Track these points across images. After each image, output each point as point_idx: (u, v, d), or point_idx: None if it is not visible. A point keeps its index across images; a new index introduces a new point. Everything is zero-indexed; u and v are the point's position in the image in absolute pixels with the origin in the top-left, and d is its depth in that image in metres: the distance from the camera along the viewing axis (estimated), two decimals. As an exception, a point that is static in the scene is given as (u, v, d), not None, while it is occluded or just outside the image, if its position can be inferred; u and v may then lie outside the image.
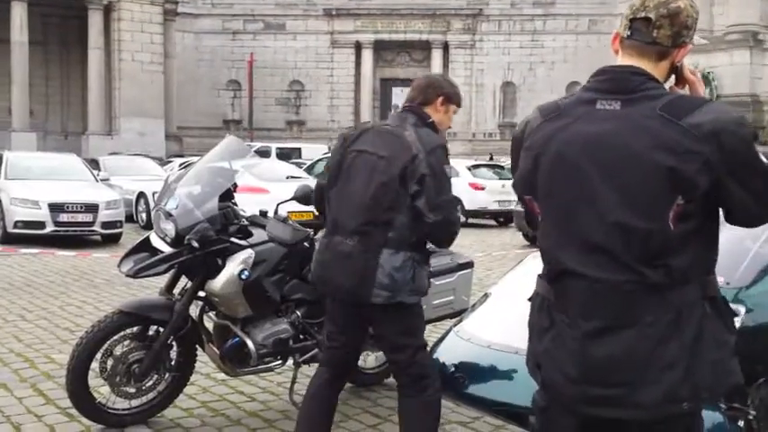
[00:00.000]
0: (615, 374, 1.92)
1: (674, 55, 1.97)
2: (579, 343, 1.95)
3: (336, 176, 3.27)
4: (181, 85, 34.50)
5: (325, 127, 37.47)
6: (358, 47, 38.59)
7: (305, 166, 16.58)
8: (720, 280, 2.69)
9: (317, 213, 3.68)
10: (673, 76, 2.03)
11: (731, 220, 1.94)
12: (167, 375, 4.06)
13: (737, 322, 2.61)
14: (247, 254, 3.98)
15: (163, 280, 4.17)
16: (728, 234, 2.87)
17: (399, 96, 38.97)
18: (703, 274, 1.92)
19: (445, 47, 38.23)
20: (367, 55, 38.51)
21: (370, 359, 4.79)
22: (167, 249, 4.01)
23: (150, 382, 4.02)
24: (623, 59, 1.98)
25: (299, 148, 26.22)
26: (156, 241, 4.12)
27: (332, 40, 38.81)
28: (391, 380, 4.75)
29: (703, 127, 1.84)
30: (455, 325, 3.74)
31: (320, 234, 4.64)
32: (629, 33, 1.97)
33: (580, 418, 2.03)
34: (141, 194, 15.09)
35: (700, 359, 1.89)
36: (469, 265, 4.66)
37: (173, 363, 4.07)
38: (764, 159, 1.89)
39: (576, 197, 1.95)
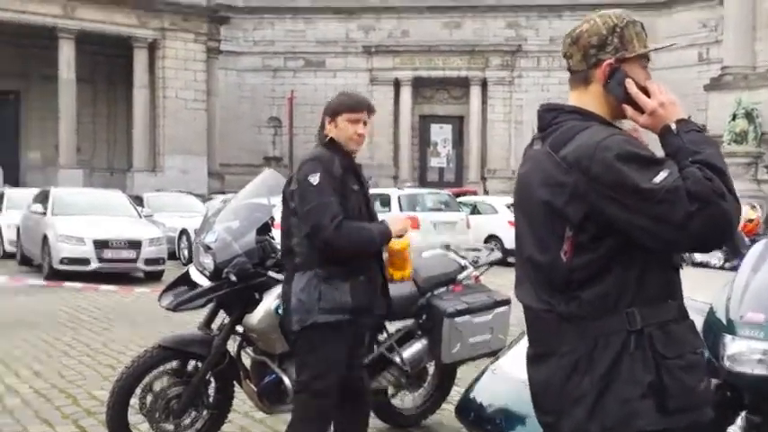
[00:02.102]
0: (545, 401, 1.98)
1: (597, 75, 1.98)
2: (528, 368, 2.06)
3: None
4: (223, 123, 35.05)
5: (364, 163, 37.24)
6: (397, 84, 38.89)
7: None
8: (761, 317, 2.66)
9: None
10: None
11: (642, 244, 1.83)
12: (205, 412, 4.08)
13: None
14: (284, 289, 4.00)
15: (202, 315, 4.21)
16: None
17: (438, 133, 39.12)
18: (629, 305, 1.85)
19: (484, 83, 38.32)
20: (406, 92, 38.76)
21: (407, 399, 4.75)
22: (206, 283, 4.06)
23: (188, 420, 4.04)
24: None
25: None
26: (196, 275, 4.17)
27: (371, 77, 39.17)
28: (428, 421, 4.73)
29: (568, 157, 1.87)
30: (492, 363, 3.72)
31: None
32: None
33: None
34: (184, 231, 15.30)
35: (609, 396, 1.84)
36: (506, 302, 4.62)
37: (210, 399, 4.09)
38: (659, 177, 1.78)
39: (516, 232, 2.12)
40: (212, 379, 4.08)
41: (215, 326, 4.16)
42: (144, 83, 30.72)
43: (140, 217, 14.11)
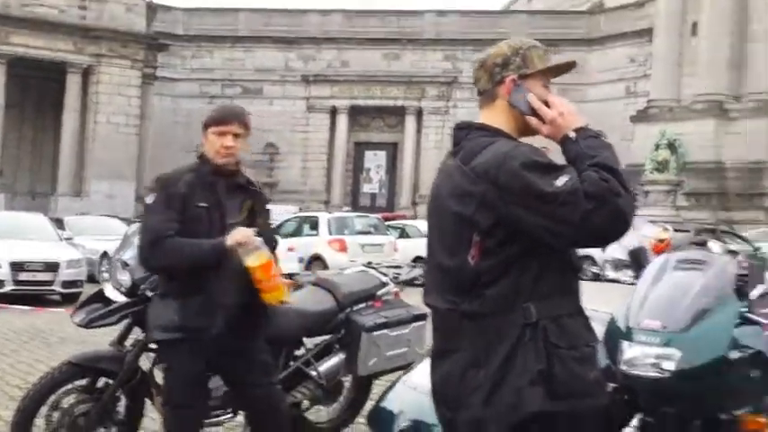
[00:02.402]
0: (445, 396, 2.11)
1: (502, 91, 2.14)
2: (430, 366, 2.19)
3: None
4: (155, 147, 34.60)
5: (296, 189, 37.62)
6: (333, 111, 39.13)
7: (273, 226, 16.62)
8: (657, 324, 2.77)
9: (282, 272, 3.72)
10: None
11: (547, 243, 1.98)
12: (114, 429, 3.99)
13: (672, 365, 2.67)
14: (198, 305, 3.97)
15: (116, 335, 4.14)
16: (668, 282, 2.97)
17: (372, 159, 39.45)
18: (526, 300, 2.00)
19: (419, 112, 38.87)
20: (342, 119, 39.03)
21: (322, 413, 4.76)
22: (122, 299, 4.01)
23: (97, 437, 3.95)
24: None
25: (269, 210, 26.29)
26: (111, 292, 4.11)
27: (308, 104, 39.34)
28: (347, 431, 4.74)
29: (478, 168, 2.02)
30: (404, 374, 3.76)
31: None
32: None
33: None
34: (105, 254, 14.97)
35: (504, 387, 1.97)
36: (424, 317, 4.66)
37: (120, 416, 4.01)
38: (560, 181, 1.93)
39: (427, 241, 2.25)
40: (123, 396, 4.00)
41: (128, 342, 4.09)
42: (75, 107, 30.23)
43: (60, 239, 13.82)
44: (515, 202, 1.96)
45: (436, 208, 2.16)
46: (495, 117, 2.14)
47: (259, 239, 3.21)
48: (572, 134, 2.05)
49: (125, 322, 4.06)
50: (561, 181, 1.94)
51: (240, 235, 3.20)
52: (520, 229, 1.98)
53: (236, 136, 3.28)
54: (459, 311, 2.05)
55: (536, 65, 2.14)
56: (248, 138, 3.38)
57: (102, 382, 3.98)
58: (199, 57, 39.49)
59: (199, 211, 3.22)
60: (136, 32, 31.61)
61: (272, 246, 3.45)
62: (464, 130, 2.15)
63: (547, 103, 2.10)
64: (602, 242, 2.10)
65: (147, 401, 4.09)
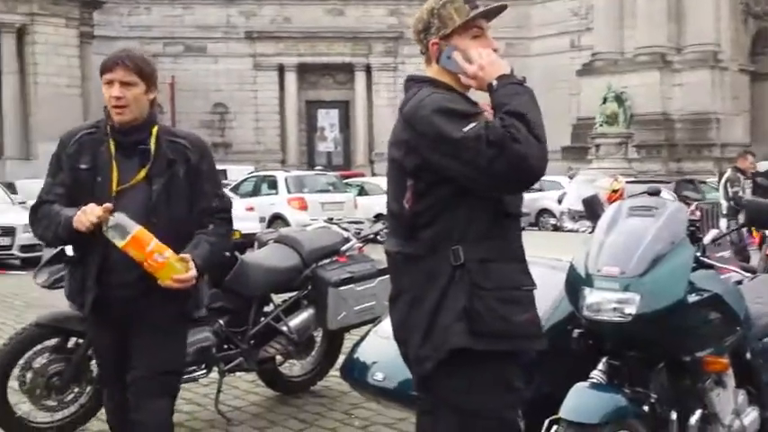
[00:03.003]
0: (398, 336, 2.28)
1: (432, 52, 2.24)
2: (389, 309, 2.34)
3: None
4: (100, 108, 33.73)
5: (251, 149, 37.21)
6: (281, 69, 38.58)
7: (230, 186, 16.50)
8: (615, 270, 2.88)
9: (242, 232, 3.73)
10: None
11: (467, 187, 2.10)
12: (89, 388, 4.03)
13: (633, 309, 2.78)
14: (168, 263, 3.99)
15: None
16: (623, 228, 3.07)
17: (324, 118, 39.17)
18: (454, 243, 2.12)
19: (368, 69, 38.58)
20: (290, 77, 38.52)
21: (295, 367, 4.86)
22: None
23: (71, 395, 3.99)
24: None
25: (225, 170, 26.03)
26: (71, 251, 4.09)
27: (254, 62, 38.68)
28: (317, 386, 4.86)
29: (404, 116, 2.16)
30: (374, 326, 3.86)
31: (247, 251, 4.72)
32: None
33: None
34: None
35: (436, 325, 2.13)
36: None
37: (94, 375, 4.05)
38: (467, 128, 2.03)
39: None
40: (95, 355, 4.03)
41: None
42: (13, 69, 29.24)
43: (13, 204, 13.53)
44: (430, 147, 2.08)
45: (387, 158, 2.30)
46: (439, 75, 2.25)
47: (120, 216, 2.63)
48: (494, 83, 2.13)
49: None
50: (468, 127, 2.03)
51: (83, 216, 2.62)
52: (444, 175, 2.10)
53: (124, 85, 2.71)
54: (401, 254, 2.21)
55: (455, 20, 2.19)
56: (154, 89, 2.82)
57: (72, 342, 4.00)
58: (136, 14, 38.36)
59: (82, 175, 2.76)
60: (68, -11, 30.61)
61: (206, 215, 2.85)
62: (410, 83, 2.27)
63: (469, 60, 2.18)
64: (507, 188, 2.15)
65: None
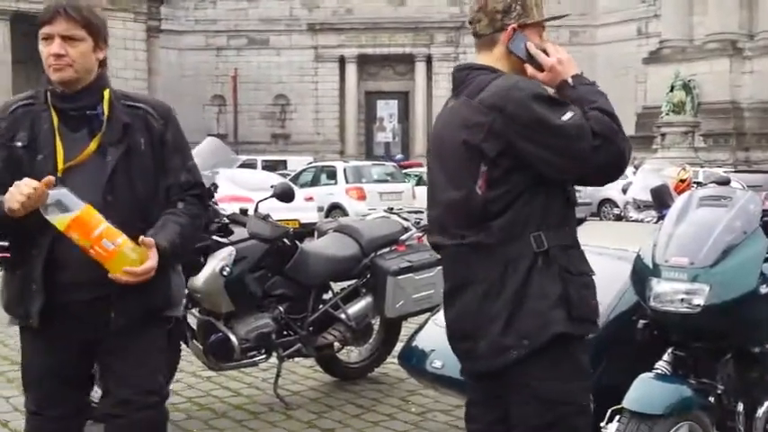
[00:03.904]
0: (463, 329, 2.18)
1: (502, 38, 2.17)
2: (444, 302, 2.27)
3: None
4: (166, 102, 34.50)
5: (310, 140, 37.57)
6: (342, 61, 38.79)
7: (290, 177, 16.69)
8: (684, 260, 2.82)
9: (301, 222, 3.75)
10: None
11: (548, 176, 2.06)
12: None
13: (701, 300, 2.71)
14: (228, 251, 4.06)
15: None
16: (693, 218, 3.00)
17: (383, 108, 39.24)
18: (535, 230, 2.07)
19: (428, 59, 38.47)
20: (351, 69, 38.70)
21: (353, 354, 4.89)
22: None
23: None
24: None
25: (285, 161, 26.36)
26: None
27: (316, 54, 38.98)
28: (374, 373, 4.87)
29: (486, 100, 2.06)
30: (433, 314, 3.84)
31: (306, 241, 4.76)
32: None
33: (469, 373, 2.29)
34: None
35: (522, 312, 2.05)
36: (449, 260, 4.74)
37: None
38: (567, 116, 2.00)
39: (429, 183, 2.32)
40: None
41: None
42: (82, 62, 30.06)
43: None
44: (522, 132, 2.01)
45: (441, 146, 2.21)
46: (494, 61, 2.18)
47: (62, 191, 2.14)
48: (570, 80, 2.13)
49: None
50: (568, 115, 2.00)
51: (15, 191, 2.13)
52: (524, 161, 2.05)
53: (67, 40, 2.23)
54: (466, 245, 2.12)
55: (534, 15, 2.19)
56: (104, 47, 2.36)
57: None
58: (202, 8, 39.05)
59: (17, 153, 2.26)
60: (136, -17, 31.30)
61: (178, 190, 2.39)
62: (464, 71, 2.20)
63: (545, 52, 2.16)
64: (603, 180, 2.19)
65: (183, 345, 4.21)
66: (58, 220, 2.12)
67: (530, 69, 2.16)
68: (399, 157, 28.10)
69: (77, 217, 2.12)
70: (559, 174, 2.07)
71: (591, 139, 2.00)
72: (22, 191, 2.10)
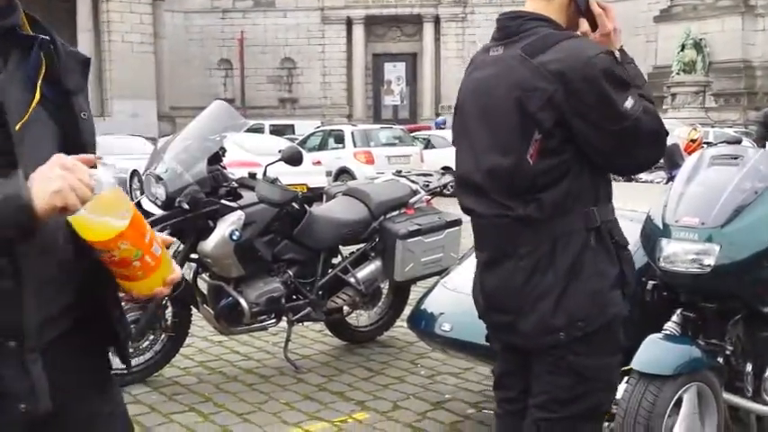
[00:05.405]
0: (503, 302, 2.05)
1: None
2: (479, 273, 2.14)
3: None
4: (172, 66, 34.29)
5: (317, 104, 37.34)
6: (349, 22, 38.37)
7: (297, 141, 16.62)
8: (695, 220, 2.79)
9: (309, 186, 3.74)
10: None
11: (592, 159, 1.96)
12: (163, 336, 4.15)
13: (712, 260, 2.70)
14: (237, 215, 4.05)
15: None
16: (704, 178, 2.97)
17: (391, 71, 38.88)
18: (586, 205, 1.97)
19: (436, 20, 37.99)
20: (358, 31, 38.29)
21: (362, 317, 4.90)
22: (159, 212, 4.09)
23: (146, 343, 4.11)
24: (526, 4, 2.06)
25: (293, 125, 26.20)
26: (148, 205, 4.18)
27: (322, 16, 38.54)
28: (383, 337, 4.90)
29: (550, 65, 1.89)
30: (442, 277, 3.84)
31: (315, 205, 4.75)
32: None
33: (503, 345, 2.19)
34: (135, 172, 15.16)
35: (575, 289, 1.94)
36: (457, 222, 4.73)
37: (168, 323, 4.16)
38: (629, 103, 1.90)
39: (463, 141, 2.13)
40: (169, 304, 4.14)
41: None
42: (88, 27, 29.82)
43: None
44: (580, 109, 1.88)
45: (487, 102, 2.01)
46: (552, 12, 2.01)
47: (102, 170, 1.32)
48: (617, 54, 1.99)
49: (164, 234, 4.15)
50: (630, 103, 1.89)
51: (73, 182, 1.24)
52: (575, 137, 1.92)
53: None
54: (512, 217, 1.97)
55: None
56: None
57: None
58: (207, -31, 38.62)
59: None
60: (141, -55, 30.94)
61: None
62: (517, 20, 2.01)
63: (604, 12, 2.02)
64: (638, 170, 2.24)
65: (194, 309, 4.24)
66: (103, 230, 1.27)
67: (584, 26, 2.02)
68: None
69: (134, 217, 1.30)
70: (602, 158, 1.97)
71: (645, 135, 1.94)
72: (83, 179, 1.25)
